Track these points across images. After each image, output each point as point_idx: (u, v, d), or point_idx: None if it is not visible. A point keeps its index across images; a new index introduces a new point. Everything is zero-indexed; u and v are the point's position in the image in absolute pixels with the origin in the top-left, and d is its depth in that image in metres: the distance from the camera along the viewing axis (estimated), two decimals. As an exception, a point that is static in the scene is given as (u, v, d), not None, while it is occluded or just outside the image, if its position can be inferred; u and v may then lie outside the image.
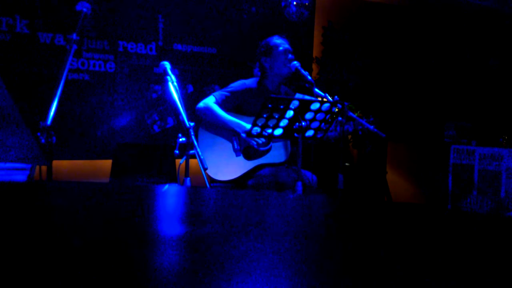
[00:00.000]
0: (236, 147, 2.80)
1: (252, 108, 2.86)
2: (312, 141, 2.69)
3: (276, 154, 2.89)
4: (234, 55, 4.83)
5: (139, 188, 1.41)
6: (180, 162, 2.48)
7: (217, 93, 2.87)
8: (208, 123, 2.82)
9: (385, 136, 2.66)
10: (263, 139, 2.82)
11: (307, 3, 4.72)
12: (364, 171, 5.11)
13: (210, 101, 2.81)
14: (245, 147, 2.85)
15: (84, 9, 2.24)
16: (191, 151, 2.25)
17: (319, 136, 2.62)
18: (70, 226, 0.73)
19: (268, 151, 2.87)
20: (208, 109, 2.79)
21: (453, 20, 5.88)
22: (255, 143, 2.80)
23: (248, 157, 2.84)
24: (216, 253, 0.60)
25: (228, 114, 2.81)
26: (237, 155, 2.81)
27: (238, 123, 2.76)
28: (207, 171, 2.71)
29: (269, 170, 2.86)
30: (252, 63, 3.08)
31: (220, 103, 2.82)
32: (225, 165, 2.78)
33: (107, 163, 3.95)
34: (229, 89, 2.90)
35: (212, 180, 2.79)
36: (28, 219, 0.76)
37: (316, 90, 2.79)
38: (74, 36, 2.15)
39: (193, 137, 2.18)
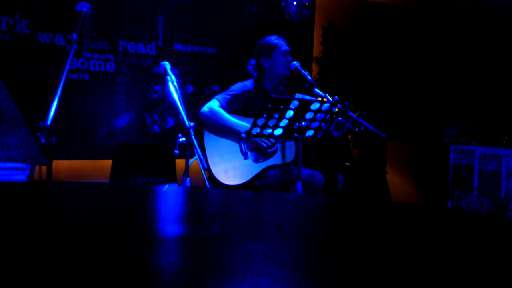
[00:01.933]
0: (244, 150, 2.79)
1: (254, 109, 2.86)
2: (311, 140, 2.69)
3: (283, 155, 2.90)
4: (234, 55, 4.82)
5: (139, 188, 1.41)
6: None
7: (219, 97, 2.85)
8: (213, 127, 2.80)
9: (385, 136, 2.66)
10: (272, 140, 2.81)
11: (307, 3, 4.72)
12: (364, 171, 5.12)
13: (214, 105, 2.79)
14: (253, 149, 2.84)
15: (84, 9, 2.24)
16: (195, 157, 2.24)
17: (319, 136, 2.62)
18: (70, 226, 0.73)
19: (275, 152, 2.88)
20: (213, 113, 2.76)
21: (453, 20, 5.88)
22: (265, 145, 2.80)
23: (256, 159, 2.84)
24: (216, 253, 0.60)
25: (233, 116, 2.80)
26: (245, 158, 2.79)
27: (245, 126, 2.75)
28: (216, 175, 2.69)
29: (274, 171, 2.87)
30: (249, 64, 3.07)
31: (225, 107, 2.80)
32: (234, 170, 2.76)
33: (107, 163, 3.95)
34: (230, 92, 2.88)
35: (220, 184, 2.77)
36: (28, 219, 0.76)
37: (316, 90, 2.79)
38: (74, 36, 2.15)
39: (193, 137, 2.18)
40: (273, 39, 2.97)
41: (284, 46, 2.94)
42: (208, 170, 2.68)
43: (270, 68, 2.93)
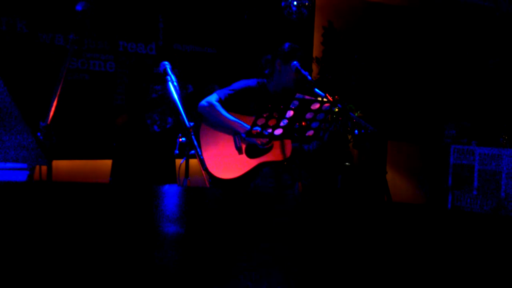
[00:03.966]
0: (238, 145, 2.80)
1: (253, 108, 2.86)
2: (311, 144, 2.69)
3: (278, 152, 2.89)
4: (234, 55, 4.82)
5: (139, 188, 1.41)
6: (180, 162, 2.48)
7: (220, 91, 2.86)
8: (210, 121, 2.82)
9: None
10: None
11: (307, 3, 4.72)
12: (364, 171, 5.11)
13: (212, 99, 2.80)
14: (248, 145, 2.84)
15: (85, 9, 2.24)
16: (191, 152, 2.25)
17: (319, 136, 2.62)
18: (70, 226, 0.73)
19: (270, 148, 2.87)
20: (210, 107, 2.78)
21: (453, 20, 5.88)
22: (256, 141, 2.80)
23: (250, 155, 2.84)
24: (215, 253, 0.60)
25: (230, 113, 2.80)
26: (239, 153, 2.81)
27: (240, 123, 2.76)
28: (210, 169, 2.71)
29: (270, 171, 2.86)
30: (266, 60, 3.03)
31: (223, 102, 2.81)
32: (228, 163, 2.78)
33: (107, 163, 3.95)
34: (231, 88, 2.88)
35: (214, 181, 2.77)
36: (28, 219, 0.76)
37: (316, 90, 2.79)
38: (74, 36, 2.15)
39: (193, 137, 2.18)
40: (298, 53, 2.93)
41: (299, 66, 2.89)
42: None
43: (280, 75, 2.91)
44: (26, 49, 3.95)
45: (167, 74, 2.36)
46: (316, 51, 5.40)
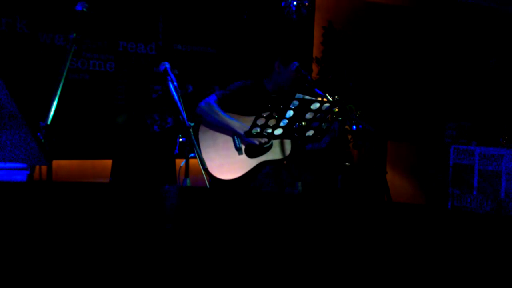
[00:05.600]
0: (237, 145, 2.80)
1: (252, 108, 2.86)
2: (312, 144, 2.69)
3: (278, 151, 2.90)
4: (234, 55, 4.83)
5: (139, 188, 1.41)
6: (181, 164, 2.47)
7: (218, 93, 2.87)
8: (208, 122, 2.82)
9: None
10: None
11: (307, 3, 4.73)
12: (364, 171, 5.12)
13: (211, 100, 2.81)
14: (247, 145, 2.85)
15: (84, 9, 2.24)
16: (192, 154, 2.25)
17: (319, 136, 2.63)
18: (70, 226, 0.73)
19: (269, 148, 2.88)
20: (209, 109, 2.79)
21: (453, 20, 5.88)
22: (256, 141, 2.81)
23: (250, 155, 2.84)
24: (215, 253, 0.60)
25: (229, 114, 2.80)
26: (239, 154, 2.81)
27: (239, 123, 2.76)
28: (210, 170, 2.71)
29: (270, 170, 2.87)
30: (267, 58, 3.04)
31: (221, 102, 2.82)
32: (228, 164, 2.78)
33: (107, 163, 3.95)
34: (228, 89, 2.90)
35: (214, 181, 2.77)
36: (28, 219, 0.76)
37: (316, 90, 2.79)
38: (74, 36, 2.15)
39: (193, 137, 2.18)
40: (297, 55, 2.95)
41: (299, 70, 2.89)
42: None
43: (278, 76, 2.92)
44: (26, 49, 3.95)
45: (167, 74, 2.36)
46: (316, 51, 5.40)
